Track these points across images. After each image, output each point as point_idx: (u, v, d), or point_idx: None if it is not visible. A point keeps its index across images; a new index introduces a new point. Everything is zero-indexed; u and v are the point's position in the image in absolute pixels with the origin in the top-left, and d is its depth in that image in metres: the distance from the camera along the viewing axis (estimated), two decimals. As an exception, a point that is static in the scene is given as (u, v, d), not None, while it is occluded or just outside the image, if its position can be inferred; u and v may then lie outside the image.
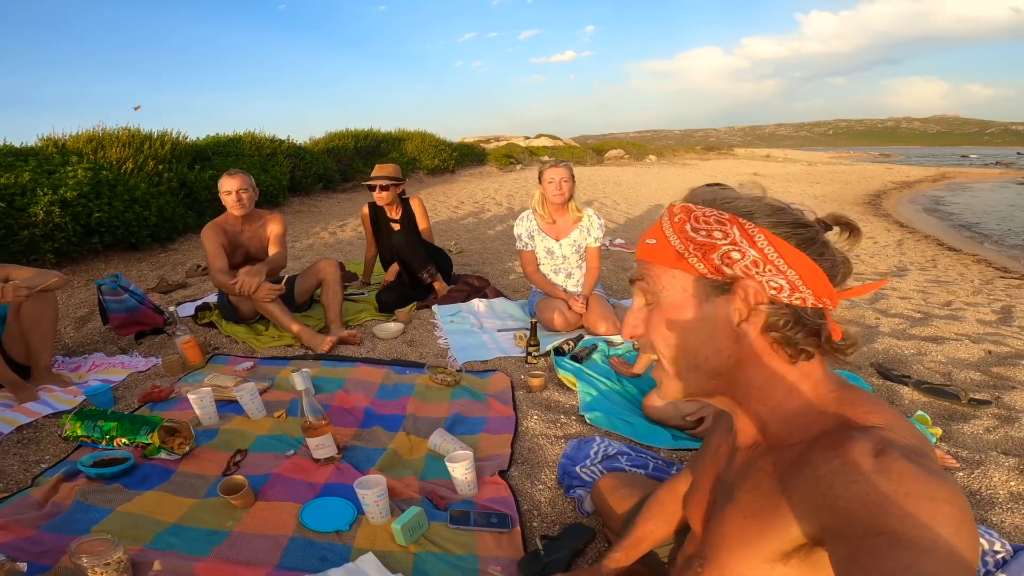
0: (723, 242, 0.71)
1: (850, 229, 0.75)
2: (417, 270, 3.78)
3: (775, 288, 0.70)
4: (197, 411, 2.13)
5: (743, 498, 0.76)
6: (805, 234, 0.71)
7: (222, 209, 3.26)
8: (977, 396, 2.48)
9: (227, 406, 2.24)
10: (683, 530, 1.21)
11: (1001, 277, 5.87)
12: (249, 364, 2.74)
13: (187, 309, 3.65)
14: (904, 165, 31.60)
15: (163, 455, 1.83)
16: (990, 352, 3.11)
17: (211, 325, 3.35)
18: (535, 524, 1.61)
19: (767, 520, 0.70)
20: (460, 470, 1.66)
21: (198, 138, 8.22)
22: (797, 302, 0.70)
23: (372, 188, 3.87)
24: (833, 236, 0.74)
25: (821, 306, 0.71)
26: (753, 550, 0.71)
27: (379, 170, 3.89)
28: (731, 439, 0.87)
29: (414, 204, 4.04)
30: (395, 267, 3.93)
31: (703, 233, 0.73)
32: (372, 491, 1.51)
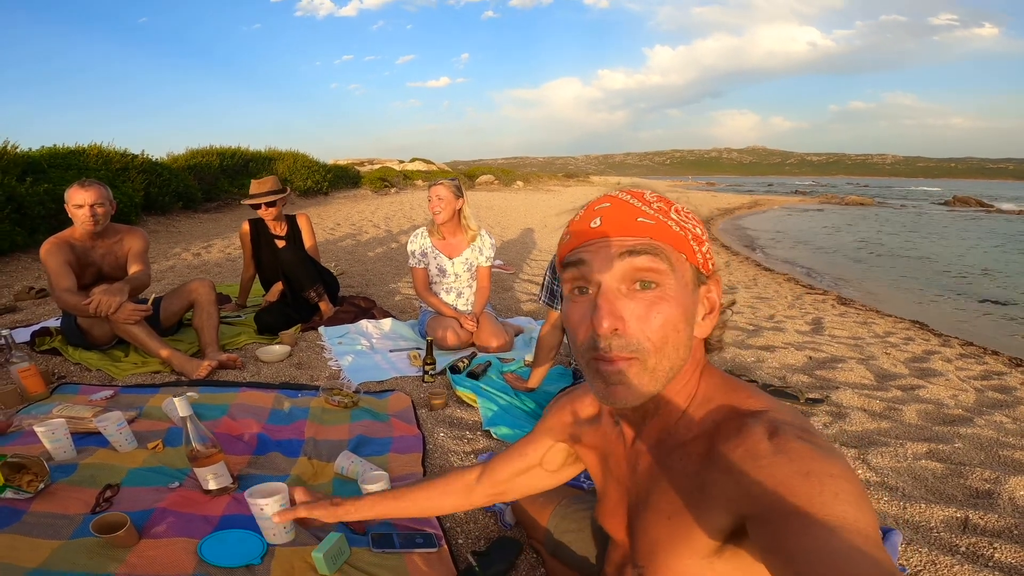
0: (706, 238, 0.76)
1: None
2: (304, 288, 3.59)
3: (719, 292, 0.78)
4: (48, 445, 1.84)
5: (662, 499, 0.77)
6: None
7: (59, 226, 2.86)
8: (811, 396, 2.87)
9: (86, 439, 1.97)
10: (602, 540, 1.25)
11: (808, 293, 6.85)
12: (108, 393, 2.42)
13: (22, 335, 3.15)
14: (725, 193, 35.85)
15: (10, 494, 1.56)
16: (811, 357, 3.64)
17: (54, 352, 2.92)
18: (460, 541, 1.60)
19: (691, 517, 0.71)
20: (377, 490, 1.59)
21: (31, 149, 7.21)
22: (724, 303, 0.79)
23: (256, 207, 3.63)
24: None
25: None
26: (687, 548, 0.72)
27: (258, 186, 3.66)
28: (628, 447, 0.87)
29: (301, 221, 3.86)
30: (277, 287, 3.69)
31: (691, 225, 0.74)
32: (272, 500, 1.35)
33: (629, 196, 0.75)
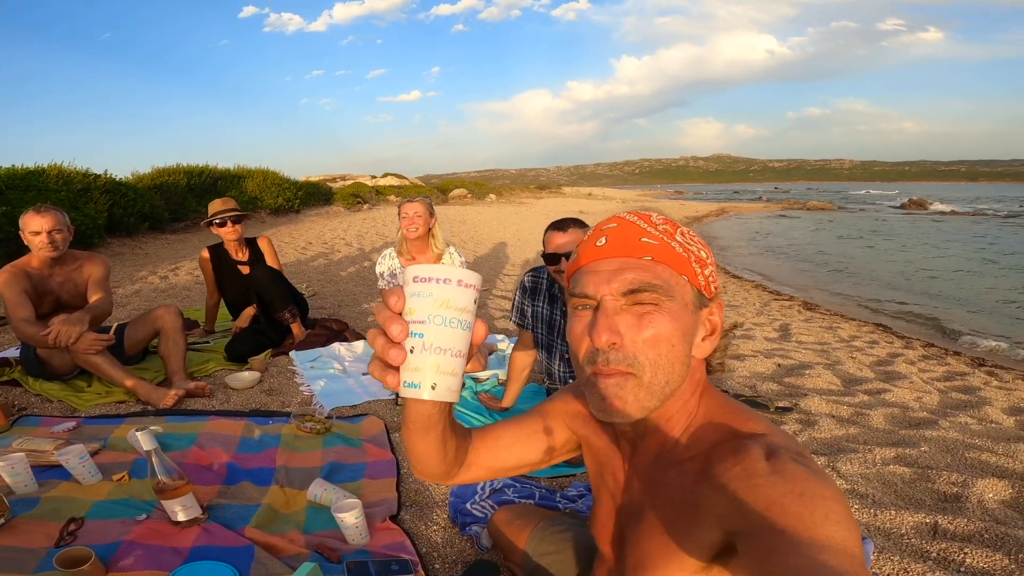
0: (709, 261, 0.77)
1: None
2: (278, 310, 3.53)
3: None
4: (7, 479, 1.79)
5: (655, 515, 0.78)
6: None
7: (19, 250, 2.78)
8: (781, 404, 2.93)
9: (48, 472, 1.91)
10: (585, 561, 1.25)
11: (775, 299, 6.99)
12: (71, 424, 2.35)
13: (-23, 367, 3.04)
14: (693, 201, 36.54)
15: (-31, 530, 1.51)
16: (779, 365, 3.72)
17: (14, 383, 2.82)
18: (437, 566, 1.59)
19: (683, 533, 0.73)
20: (351, 518, 1.58)
21: (-15, 170, 7.01)
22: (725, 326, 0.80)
23: (221, 224, 3.51)
24: None
25: None
26: (676, 564, 0.73)
27: (221, 204, 3.58)
28: (625, 460, 0.88)
29: (262, 244, 3.79)
30: (248, 313, 3.61)
31: (695, 248, 0.76)
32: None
33: (636, 217, 0.78)
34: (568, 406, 1.02)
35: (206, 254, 3.67)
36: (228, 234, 3.56)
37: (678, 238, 0.76)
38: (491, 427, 1.03)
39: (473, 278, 0.63)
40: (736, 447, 0.70)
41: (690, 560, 0.72)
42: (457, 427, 0.91)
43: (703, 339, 0.77)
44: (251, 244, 3.76)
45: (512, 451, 1.01)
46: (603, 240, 0.77)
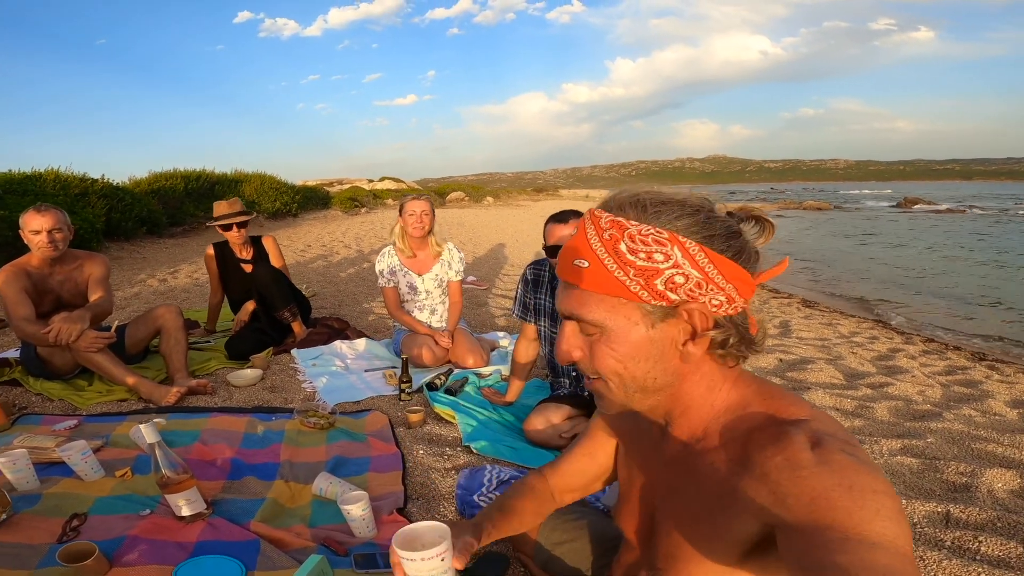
0: (665, 265, 0.67)
1: (762, 224, 0.75)
2: (278, 308, 3.53)
3: (716, 305, 0.69)
4: (9, 476, 1.78)
5: (687, 504, 0.76)
6: (737, 244, 0.70)
7: (15, 253, 2.76)
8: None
9: (49, 469, 1.90)
10: (601, 547, 1.24)
11: (773, 297, 7.00)
12: (72, 423, 2.33)
13: (-23, 367, 3.02)
14: None
15: (-29, 526, 1.49)
16: (781, 360, 3.71)
17: (14, 383, 2.81)
18: (444, 556, 1.56)
19: (717, 522, 0.70)
20: (357, 510, 1.56)
21: (-18, 175, 6.99)
22: (733, 311, 0.70)
23: (226, 228, 3.54)
24: (745, 229, 0.74)
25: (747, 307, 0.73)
26: (710, 555, 0.71)
27: (226, 207, 3.58)
28: (654, 448, 0.86)
29: (268, 243, 3.79)
30: (249, 306, 3.60)
31: (643, 256, 0.67)
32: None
33: (589, 221, 0.73)
34: (608, 416, 1.03)
35: (211, 251, 3.68)
36: (234, 238, 3.59)
37: (621, 247, 0.68)
38: (560, 463, 1.13)
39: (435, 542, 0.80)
40: (777, 434, 0.66)
41: (724, 551, 0.70)
42: (532, 498, 1.10)
43: (684, 343, 0.71)
44: (256, 243, 3.77)
45: (583, 477, 1.11)
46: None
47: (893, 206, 32.35)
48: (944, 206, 30.03)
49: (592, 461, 1.09)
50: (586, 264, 0.70)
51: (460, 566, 0.92)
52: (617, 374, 0.73)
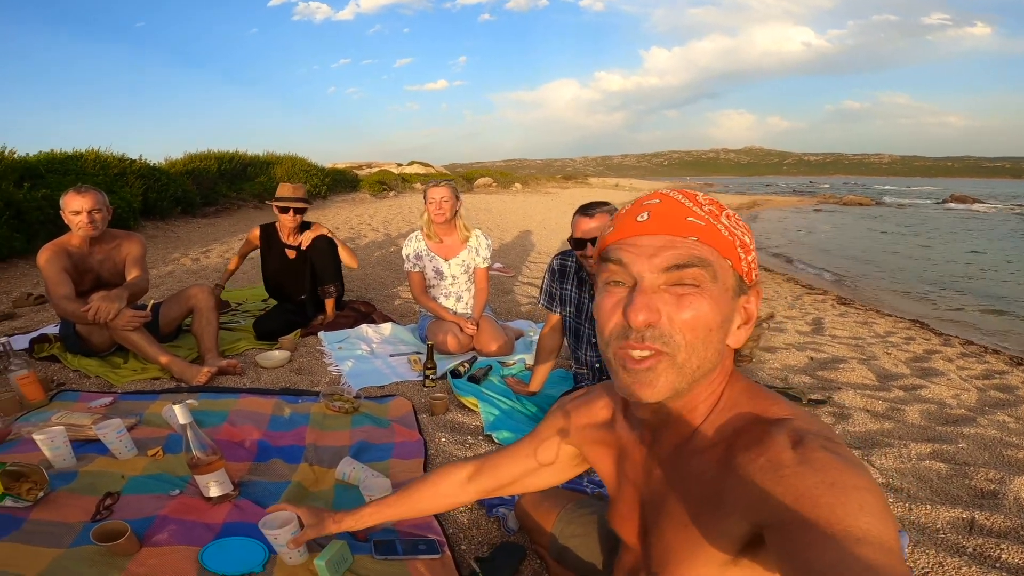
0: (752, 248, 0.74)
1: None
2: (324, 281, 3.59)
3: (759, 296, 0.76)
4: (47, 453, 1.83)
5: (678, 507, 0.76)
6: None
7: (57, 231, 2.83)
8: (814, 397, 2.87)
9: (85, 446, 1.95)
10: (609, 545, 1.24)
11: (807, 293, 6.84)
12: (107, 400, 2.41)
13: (20, 342, 3.14)
14: (724, 194, 35.96)
15: (9, 502, 1.55)
16: (812, 358, 3.63)
17: (53, 359, 2.91)
18: (463, 547, 1.59)
19: (708, 525, 0.71)
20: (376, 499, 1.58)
21: (28, 154, 7.21)
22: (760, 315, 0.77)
23: (284, 210, 3.56)
24: None
25: None
26: (703, 556, 0.71)
27: (290, 191, 3.62)
28: (644, 451, 0.86)
29: (321, 232, 3.73)
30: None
31: (740, 232, 0.73)
32: (285, 529, 1.30)
33: (681, 195, 0.74)
34: (569, 421, 1.03)
35: (257, 232, 3.72)
36: (288, 221, 3.61)
37: (724, 220, 0.72)
38: (494, 463, 1.14)
39: None
40: (760, 435, 0.68)
41: (716, 553, 0.70)
42: (432, 490, 1.19)
43: (738, 327, 0.74)
44: (304, 230, 3.74)
45: (517, 484, 1.13)
46: (645, 215, 0.72)
47: (939, 203, 31.25)
48: (994, 205, 28.87)
49: (531, 461, 1.09)
50: (701, 223, 0.71)
51: (294, 547, 1.30)
52: (697, 337, 0.69)
